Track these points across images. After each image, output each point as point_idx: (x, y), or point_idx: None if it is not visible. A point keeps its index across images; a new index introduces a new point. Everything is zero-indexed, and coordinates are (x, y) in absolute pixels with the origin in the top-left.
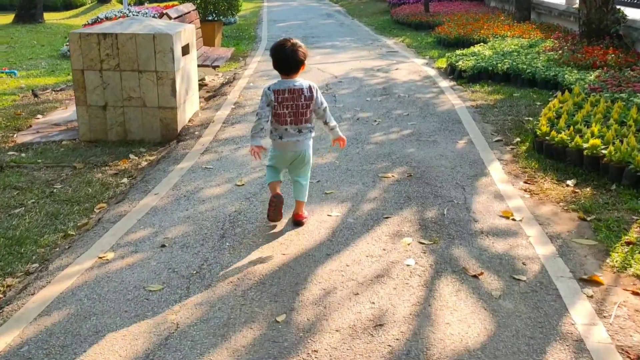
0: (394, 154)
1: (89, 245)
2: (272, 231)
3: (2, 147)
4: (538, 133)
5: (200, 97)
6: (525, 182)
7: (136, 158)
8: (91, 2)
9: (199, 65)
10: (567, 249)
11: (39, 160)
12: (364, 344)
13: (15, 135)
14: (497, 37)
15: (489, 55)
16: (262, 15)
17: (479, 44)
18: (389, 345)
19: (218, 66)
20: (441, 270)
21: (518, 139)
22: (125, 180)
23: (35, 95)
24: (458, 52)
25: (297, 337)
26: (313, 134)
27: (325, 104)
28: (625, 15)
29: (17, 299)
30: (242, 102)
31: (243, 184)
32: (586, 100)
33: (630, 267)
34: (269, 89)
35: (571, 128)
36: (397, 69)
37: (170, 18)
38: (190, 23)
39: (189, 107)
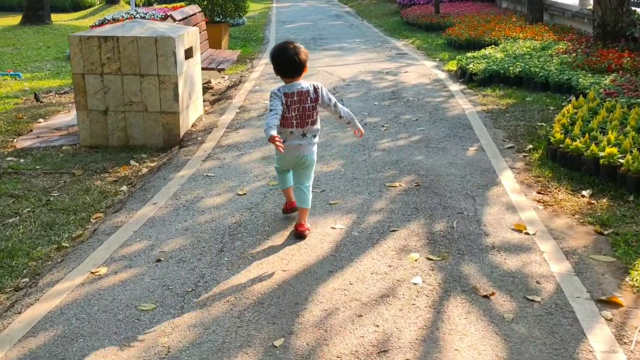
0: (402, 161)
1: (82, 259)
2: (273, 244)
3: (1, 153)
4: (552, 140)
5: (205, 100)
6: (539, 193)
7: (137, 164)
8: (100, 3)
9: (203, 69)
10: (583, 266)
11: (38, 167)
12: None
13: (15, 139)
14: (509, 39)
15: (501, 57)
16: (271, 17)
17: (490, 46)
18: None
19: (223, 69)
20: (450, 289)
21: (531, 146)
22: (124, 188)
23: (38, 100)
24: (469, 54)
25: None
26: (317, 139)
27: (333, 100)
28: None
29: (3, 317)
30: (248, 105)
31: (245, 193)
32: (601, 105)
33: None
34: (279, 90)
35: (586, 135)
36: (406, 72)
37: (174, 20)
38: (195, 25)
39: (193, 112)
